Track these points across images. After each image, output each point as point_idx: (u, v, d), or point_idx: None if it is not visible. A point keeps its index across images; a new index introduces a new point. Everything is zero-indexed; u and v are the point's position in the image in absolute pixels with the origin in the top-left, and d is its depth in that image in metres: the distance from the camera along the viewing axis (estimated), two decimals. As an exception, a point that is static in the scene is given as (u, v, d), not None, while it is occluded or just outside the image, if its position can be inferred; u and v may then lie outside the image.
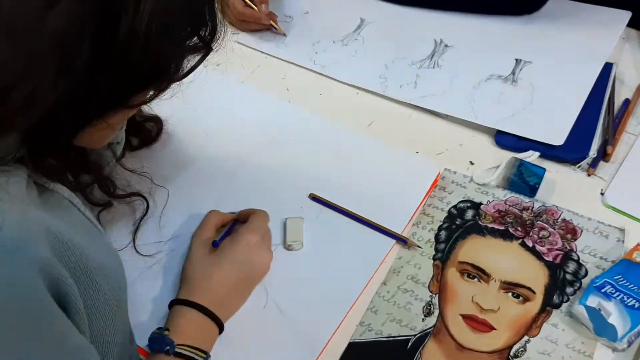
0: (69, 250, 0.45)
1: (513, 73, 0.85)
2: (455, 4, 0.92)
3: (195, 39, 0.49)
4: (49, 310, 0.42)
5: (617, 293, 0.60)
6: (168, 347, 0.57)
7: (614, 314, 0.59)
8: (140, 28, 0.43)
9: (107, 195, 0.64)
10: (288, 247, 0.70)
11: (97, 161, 0.63)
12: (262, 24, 0.92)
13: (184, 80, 0.51)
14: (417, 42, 0.90)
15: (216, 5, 0.50)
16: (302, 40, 0.92)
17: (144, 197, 0.68)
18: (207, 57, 0.51)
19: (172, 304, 0.62)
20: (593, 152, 0.75)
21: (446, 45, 0.89)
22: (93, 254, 0.48)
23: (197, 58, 0.51)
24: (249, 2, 0.90)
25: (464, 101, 0.82)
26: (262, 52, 0.92)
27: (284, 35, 0.93)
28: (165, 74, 0.49)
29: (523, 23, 0.90)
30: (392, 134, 0.80)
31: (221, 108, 0.85)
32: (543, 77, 0.84)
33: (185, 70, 0.51)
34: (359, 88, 0.86)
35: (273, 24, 0.92)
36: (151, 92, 0.51)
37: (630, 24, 0.87)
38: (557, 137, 0.76)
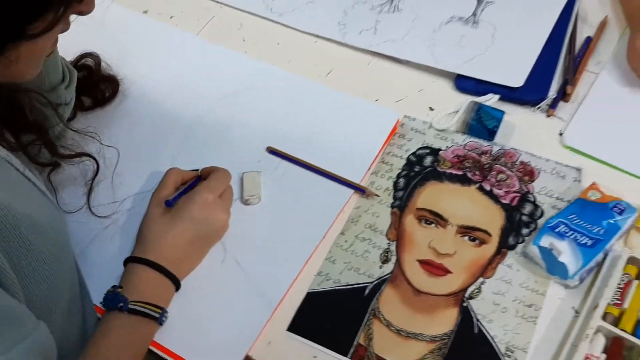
0: None
1: (474, 14, 0.83)
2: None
3: None
4: None
5: (571, 232, 0.61)
6: (121, 304, 0.57)
7: (566, 253, 0.59)
8: None
9: (52, 155, 0.62)
10: (245, 202, 0.69)
11: (38, 121, 0.60)
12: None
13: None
14: (377, -15, 0.87)
15: None
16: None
17: (93, 158, 0.66)
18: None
19: (126, 262, 0.62)
20: (553, 92, 0.74)
21: (406, -13, 0.86)
22: (25, 211, 0.47)
23: None
24: None
25: (424, 46, 0.80)
26: (217, 2, 0.89)
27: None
28: None
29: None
30: (351, 82, 0.79)
31: (176, 63, 0.83)
32: (505, 16, 0.81)
33: None
34: (317, 36, 0.84)
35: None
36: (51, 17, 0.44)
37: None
38: (517, 78, 0.75)
